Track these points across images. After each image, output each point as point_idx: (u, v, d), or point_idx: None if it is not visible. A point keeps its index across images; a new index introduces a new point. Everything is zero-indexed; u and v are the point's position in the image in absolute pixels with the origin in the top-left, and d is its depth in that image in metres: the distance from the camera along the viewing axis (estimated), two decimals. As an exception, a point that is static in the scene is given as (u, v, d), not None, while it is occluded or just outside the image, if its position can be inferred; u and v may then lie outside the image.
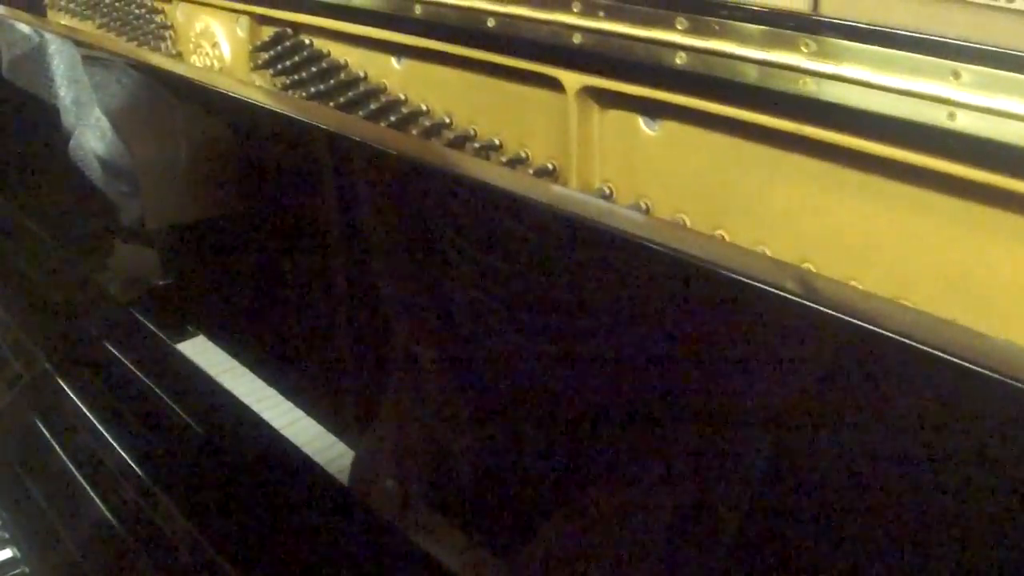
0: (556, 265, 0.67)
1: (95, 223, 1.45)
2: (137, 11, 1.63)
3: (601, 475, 0.68)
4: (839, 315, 0.50)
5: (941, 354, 0.47)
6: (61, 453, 1.21)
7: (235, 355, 1.10)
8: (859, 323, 0.50)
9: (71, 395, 1.27)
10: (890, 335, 0.48)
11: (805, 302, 0.52)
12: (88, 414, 1.22)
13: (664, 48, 0.79)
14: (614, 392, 0.65)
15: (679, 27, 0.77)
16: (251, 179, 1.04)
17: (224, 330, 1.15)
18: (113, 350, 1.25)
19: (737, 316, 0.57)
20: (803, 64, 0.70)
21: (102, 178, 1.33)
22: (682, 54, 0.78)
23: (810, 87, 0.71)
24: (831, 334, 0.52)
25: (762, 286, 0.53)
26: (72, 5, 1.81)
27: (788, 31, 0.71)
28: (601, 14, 0.83)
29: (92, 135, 1.33)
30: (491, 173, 0.74)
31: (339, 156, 0.86)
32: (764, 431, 0.57)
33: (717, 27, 0.75)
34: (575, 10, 0.85)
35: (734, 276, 0.54)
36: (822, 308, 0.51)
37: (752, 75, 0.74)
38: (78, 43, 1.31)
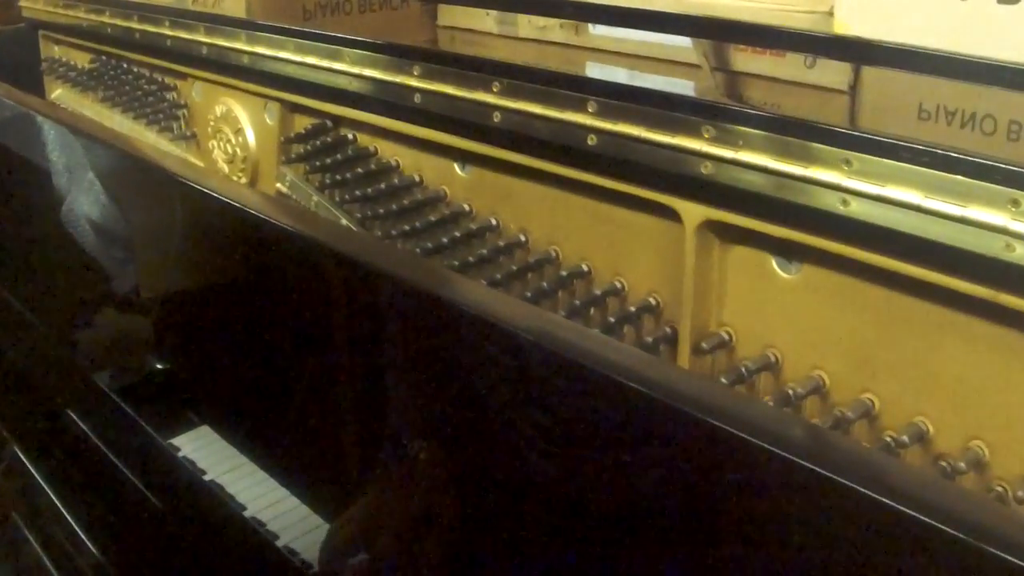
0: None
1: (83, 299, 1.33)
2: (147, 86, 1.50)
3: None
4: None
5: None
6: (37, 547, 1.18)
7: (240, 448, 1.00)
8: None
9: (45, 488, 1.21)
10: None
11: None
12: (64, 511, 1.15)
13: (825, 190, 0.68)
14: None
15: (846, 168, 0.67)
16: (255, 248, 0.93)
17: (229, 421, 1.04)
18: (96, 440, 1.14)
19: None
20: (1010, 226, 0.61)
21: (95, 244, 1.24)
22: (847, 198, 0.67)
23: (1017, 252, 0.61)
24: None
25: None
26: (72, 74, 1.67)
27: (994, 184, 0.61)
28: (740, 143, 0.73)
29: (86, 199, 1.24)
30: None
31: (347, 274, 0.82)
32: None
33: (885, 171, 0.65)
34: (706, 136, 0.75)
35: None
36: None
37: (935, 230, 0.64)
38: (69, 128, 1.20)
